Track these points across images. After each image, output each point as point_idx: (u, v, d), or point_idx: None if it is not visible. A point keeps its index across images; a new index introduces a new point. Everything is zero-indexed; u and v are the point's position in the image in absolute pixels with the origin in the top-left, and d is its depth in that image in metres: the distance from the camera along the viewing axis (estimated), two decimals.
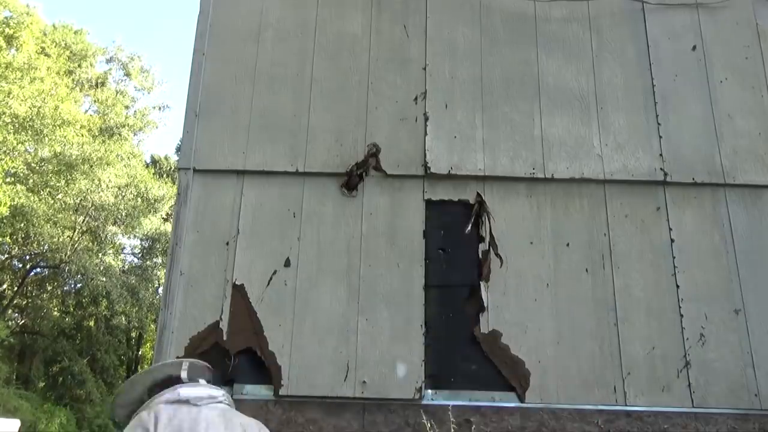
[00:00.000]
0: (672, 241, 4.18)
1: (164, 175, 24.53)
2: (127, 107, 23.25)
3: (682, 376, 3.88)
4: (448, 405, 3.76)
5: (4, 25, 17.36)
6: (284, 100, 4.48)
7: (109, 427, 18.74)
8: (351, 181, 4.26)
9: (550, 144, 4.39)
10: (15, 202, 15.90)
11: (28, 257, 20.10)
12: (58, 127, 17.24)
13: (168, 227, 19.88)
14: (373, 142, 4.36)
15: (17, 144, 16.50)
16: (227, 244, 4.13)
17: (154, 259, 22.25)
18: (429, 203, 4.25)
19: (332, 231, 4.17)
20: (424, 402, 3.81)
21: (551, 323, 3.98)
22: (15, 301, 20.12)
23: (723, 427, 3.78)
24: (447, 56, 4.61)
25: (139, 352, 26.00)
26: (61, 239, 18.19)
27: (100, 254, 19.97)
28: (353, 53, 4.61)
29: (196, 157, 4.32)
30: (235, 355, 3.88)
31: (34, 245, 18.94)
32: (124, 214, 19.80)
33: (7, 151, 16.25)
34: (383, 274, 4.07)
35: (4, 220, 16.07)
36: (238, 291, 4.02)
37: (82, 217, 19.05)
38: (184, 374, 2.30)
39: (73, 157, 17.80)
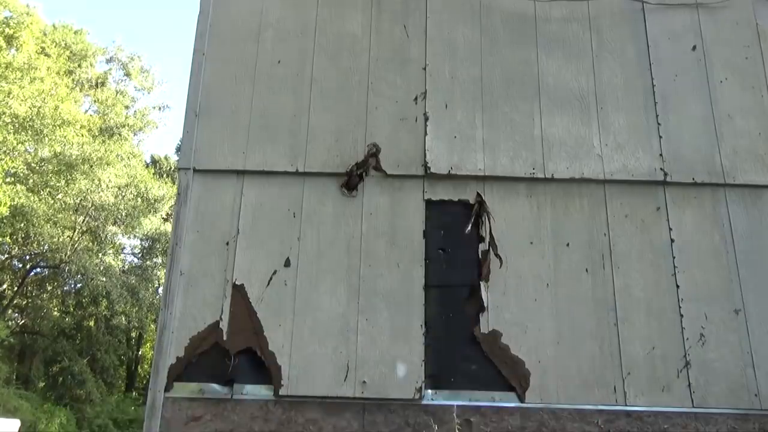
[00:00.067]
0: (672, 241, 4.18)
1: (164, 175, 24.54)
2: (127, 107, 23.26)
3: (682, 376, 3.88)
4: (449, 405, 3.76)
5: (4, 25, 17.37)
6: (284, 100, 4.48)
7: (109, 427, 18.75)
8: (351, 181, 4.26)
9: (550, 144, 4.39)
10: (15, 202, 15.91)
11: (28, 257, 20.11)
12: (58, 127, 17.25)
13: (168, 227, 19.89)
14: (373, 142, 4.36)
15: (17, 144, 16.51)
16: (227, 244, 4.13)
17: (154, 259, 22.26)
18: (429, 203, 4.25)
19: (332, 231, 4.17)
20: (424, 402, 3.81)
21: (551, 323, 3.98)
22: (15, 301, 20.13)
23: (723, 427, 3.78)
24: (447, 56, 4.61)
25: (139, 352, 26.02)
26: (61, 239, 18.20)
27: (100, 254, 19.97)
28: (353, 53, 4.61)
29: (196, 157, 4.32)
30: (235, 355, 3.88)
31: (34, 245, 18.95)
32: (124, 214, 19.81)
33: (7, 151, 16.26)
34: (383, 274, 4.07)
35: (4, 220, 16.08)
36: (238, 291, 4.02)
37: (82, 217, 19.06)
38: None
39: (73, 157, 17.80)
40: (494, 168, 4.32)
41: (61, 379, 19.56)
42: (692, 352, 3.93)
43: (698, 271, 4.11)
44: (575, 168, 4.33)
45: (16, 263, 20.56)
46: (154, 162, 26.29)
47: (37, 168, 17.84)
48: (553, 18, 4.74)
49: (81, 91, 21.58)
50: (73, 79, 20.84)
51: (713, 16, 4.78)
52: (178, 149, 17.18)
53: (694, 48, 4.69)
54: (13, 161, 16.54)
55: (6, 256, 19.66)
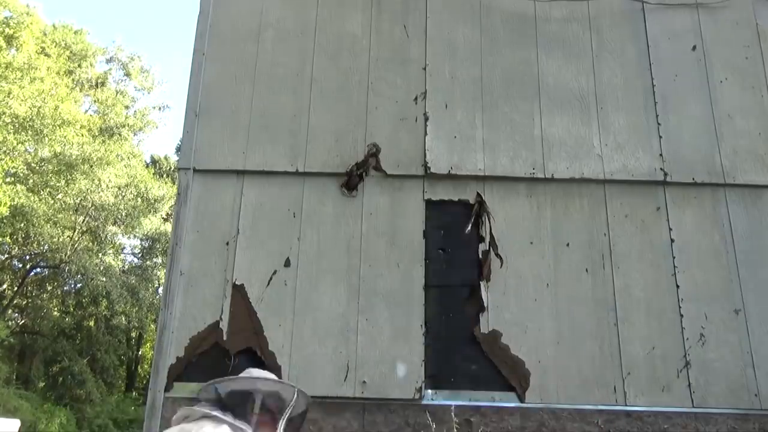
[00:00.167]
0: (672, 241, 4.18)
1: (164, 175, 24.53)
2: (127, 107, 23.26)
3: (682, 376, 3.88)
4: (448, 405, 3.76)
5: (4, 25, 17.36)
6: (284, 100, 4.48)
7: (109, 427, 18.75)
8: (351, 181, 4.26)
9: (550, 144, 4.39)
10: (15, 202, 15.91)
11: (28, 257, 20.11)
12: (58, 127, 17.25)
13: (168, 227, 19.88)
14: (373, 142, 4.36)
15: (17, 144, 16.50)
16: (227, 244, 4.13)
17: (154, 259, 22.25)
18: (429, 203, 4.25)
19: (332, 231, 4.17)
20: (424, 402, 3.81)
21: (551, 323, 3.98)
22: (15, 301, 20.12)
23: (723, 427, 3.78)
24: (447, 56, 4.61)
25: (139, 352, 26.01)
26: (61, 239, 18.20)
27: (100, 254, 19.97)
28: (353, 53, 4.61)
29: (196, 157, 4.32)
30: (235, 355, 3.88)
31: (34, 245, 18.95)
32: (124, 214, 19.80)
33: (7, 151, 16.26)
34: (383, 274, 4.07)
35: (4, 220, 16.08)
36: (238, 291, 4.02)
37: (82, 217, 19.06)
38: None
39: (73, 157, 17.80)
40: (494, 168, 4.32)
41: (61, 379, 19.56)
42: (692, 352, 3.93)
43: (698, 271, 4.11)
44: (575, 168, 4.33)
45: (16, 263, 20.56)
46: (154, 162, 26.28)
47: (37, 168, 17.84)
48: (553, 18, 4.74)
49: (81, 91, 21.58)
50: (73, 79, 20.84)
51: (713, 16, 4.78)
52: (178, 149, 17.17)
53: (694, 48, 4.69)
54: (13, 161, 16.53)
55: (6, 256, 19.66)
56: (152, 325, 21.52)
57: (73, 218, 18.86)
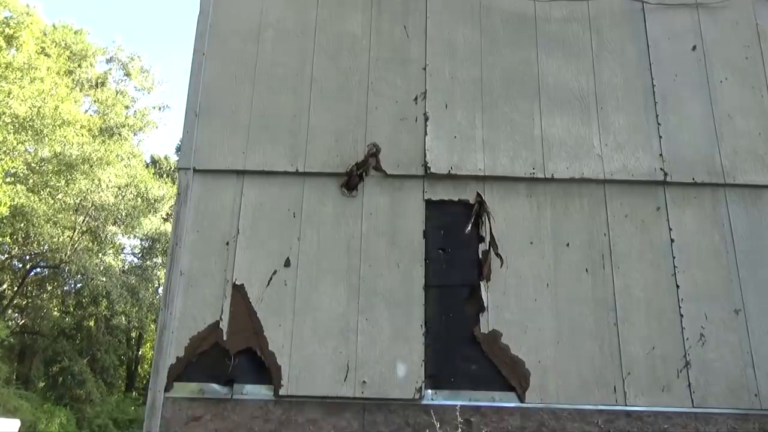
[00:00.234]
0: (672, 241, 4.18)
1: (164, 175, 24.52)
2: (127, 107, 23.25)
3: (682, 376, 3.88)
4: (448, 405, 3.76)
5: (4, 25, 17.36)
6: (284, 100, 4.48)
7: (109, 427, 18.75)
8: (351, 181, 4.26)
9: (550, 144, 4.39)
10: (15, 202, 15.90)
11: (28, 257, 20.10)
12: (58, 127, 17.24)
13: (168, 227, 19.88)
14: (373, 142, 4.36)
15: (17, 144, 16.50)
16: (227, 244, 4.13)
17: (154, 259, 22.25)
18: (429, 203, 4.26)
19: (332, 231, 4.17)
20: (424, 402, 3.81)
21: (551, 323, 3.98)
22: (15, 301, 20.12)
23: (723, 427, 3.78)
24: (447, 56, 4.61)
25: (139, 352, 26.01)
26: (61, 239, 18.19)
27: (100, 254, 19.96)
28: (353, 53, 4.61)
29: (196, 157, 4.32)
30: (235, 355, 3.88)
31: (34, 245, 18.95)
32: (124, 214, 19.79)
33: (7, 151, 16.26)
34: (383, 274, 4.07)
35: (4, 220, 16.08)
36: (238, 291, 4.02)
37: (82, 217, 19.05)
38: None
39: (73, 157, 17.79)
40: (494, 168, 4.32)
41: (61, 379, 19.55)
42: (692, 352, 3.93)
43: (698, 271, 4.11)
44: (575, 168, 4.33)
45: (16, 263, 20.55)
46: (154, 162, 26.28)
47: (37, 168, 17.83)
48: (553, 18, 4.74)
49: (81, 91, 21.57)
50: (73, 79, 20.83)
51: (713, 16, 4.78)
52: (178, 149, 17.16)
53: (694, 48, 4.69)
54: (13, 161, 16.53)
55: (6, 256, 19.66)
56: (152, 325, 21.52)
57: (73, 218, 18.86)
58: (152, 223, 21.45)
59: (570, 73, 4.58)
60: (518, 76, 4.57)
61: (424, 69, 4.57)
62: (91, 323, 21.84)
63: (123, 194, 19.59)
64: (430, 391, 3.85)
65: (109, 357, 21.40)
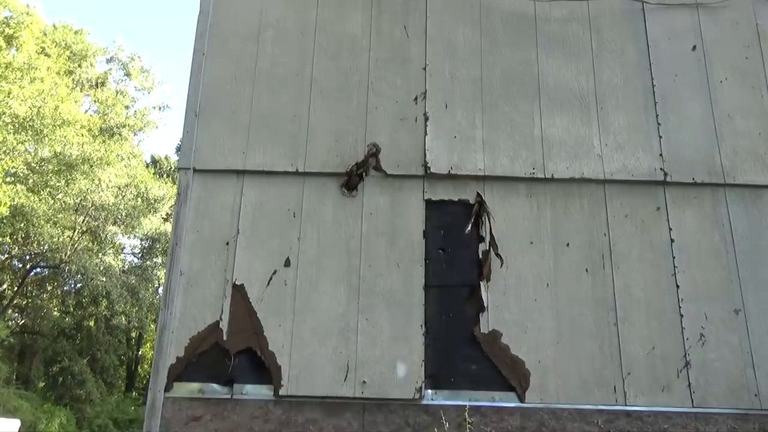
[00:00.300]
0: (672, 241, 4.18)
1: (164, 175, 24.52)
2: (127, 107, 23.24)
3: (682, 376, 3.88)
4: (448, 405, 3.76)
5: (4, 25, 17.35)
6: (284, 100, 4.48)
7: (109, 427, 18.75)
8: (351, 181, 4.26)
9: (550, 144, 4.39)
10: (15, 202, 15.90)
11: (28, 257, 20.10)
12: (58, 127, 17.24)
13: (168, 227, 19.88)
14: (373, 142, 4.36)
15: (17, 144, 16.50)
16: (227, 244, 4.13)
17: (154, 259, 22.24)
18: (429, 203, 4.26)
19: (332, 231, 4.17)
20: (424, 402, 3.81)
21: (551, 323, 3.98)
22: (15, 301, 20.12)
23: (723, 427, 3.78)
24: (447, 56, 4.61)
25: (139, 352, 26.01)
26: (61, 239, 18.19)
27: (100, 254, 19.96)
28: (353, 53, 4.61)
29: (196, 157, 4.32)
30: (235, 355, 3.88)
31: (34, 245, 18.95)
32: (124, 214, 19.79)
33: (7, 151, 16.25)
34: (383, 274, 4.07)
35: (4, 220, 16.07)
36: (238, 291, 4.02)
37: (82, 217, 19.05)
38: None
39: (73, 157, 17.79)
40: (494, 168, 4.32)
41: (61, 379, 19.55)
42: (692, 352, 3.93)
43: (698, 271, 4.11)
44: (575, 168, 4.34)
45: (16, 263, 20.55)
46: (154, 162, 26.28)
47: (37, 168, 17.83)
48: (553, 18, 4.74)
49: (81, 91, 21.56)
50: (73, 79, 20.83)
51: (713, 16, 4.78)
52: (178, 149, 17.16)
53: (694, 48, 4.69)
54: (13, 161, 16.53)
55: (6, 256, 19.66)
56: (152, 325, 21.52)
57: (73, 218, 18.86)
58: (152, 223, 21.45)
59: (570, 73, 4.58)
60: (518, 76, 4.57)
61: (424, 69, 4.57)
62: (91, 323, 21.83)
63: (123, 194, 19.59)
64: (430, 391, 3.85)
65: (109, 357, 21.40)
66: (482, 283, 4.04)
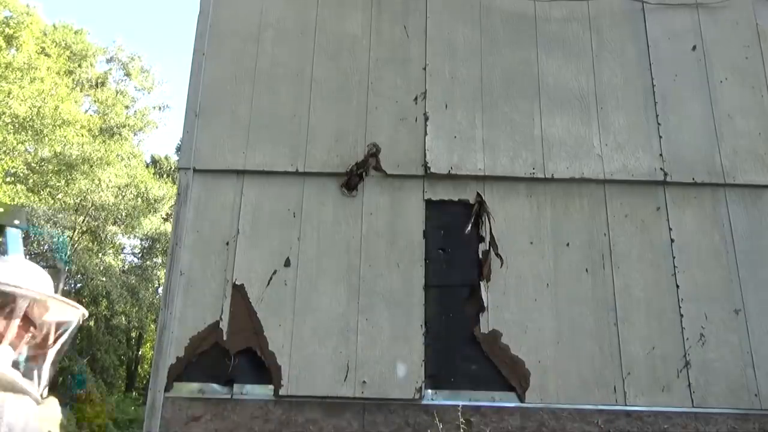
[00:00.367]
0: (672, 241, 4.18)
1: (164, 175, 24.52)
2: (127, 107, 23.24)
3: (682, 376, 3.88)
4: (448, 405, 3.76)
5: (4, 25, 17.35)
6: (284, 100, 4.48)
7: (109, 427, 18.75)
8: (351, 181, 4.26)
9: (550, 144, 4.39)
10: (15, 202, 15.90)
11: (28, 257, 20.08)
12: (58, 127, 17.24)
13: (168, 227, 19.88)
14: (373, 142, 4.36)
15: (17, 144, 16.50)
16: (227, 244, 4.13)
17: (154, 259, 22.25)
18: (429, 203, 4.25)
19: (332, 231, 4.17)
20: (424, 402, 3.81)
21: (551, 323, 3.98)
22: None
23: (723, 427, 3.78)
24: (447, 56, 4.61)
25: (139, 352, 26.01)
26: (61, 239, 18.19)
27: (100, 254, 19.97)
28: (353, 53, 4.61)
29: (196, 157, 4.32)
30: (235, 355, 3.88)
31: (34, 245, 18.94)
32: (124, 214, 19.79)
33: (7, 151, 16.25)
34: (383, 274, 4.07)
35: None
36: (238, 291, 4.02)
37: (82, 217, 19.06)
38: None
39: (73, 157, 17.79)
40: (494, 168, 4.32)
41: (60, 378, 19.55)
42: (692, 352, 3.93)
43: (698, 271, 4.11)
44: (575, 168, 4.33)
45: None
46: (154, 162, 26.28)
47: (37, 168, 17.83)
48: (553, 18, 4.74)
49: (81, 91, 21.56)
50: (73, 79, 20.83)
51: (713, 16, 4.78)
52: (178, 149, 17.16)
53: (694, 48, 4.69)
54: (13, 161, 16.53)
55: None
56: (152, 325, 21.52)
57: (73, 218, 18.86)
58: (152, 223, 21.45)
59: (570, 73, 4.58)
60: (518, 76, 4.57)
61: (424, 69, 4.57)
62: (91, 323, 21.83)
63: (123, 194, 19.59)
64: (430, 391, 3.85)
65: (109, 357, 21.39)
66: (482, 283, 4.04)
